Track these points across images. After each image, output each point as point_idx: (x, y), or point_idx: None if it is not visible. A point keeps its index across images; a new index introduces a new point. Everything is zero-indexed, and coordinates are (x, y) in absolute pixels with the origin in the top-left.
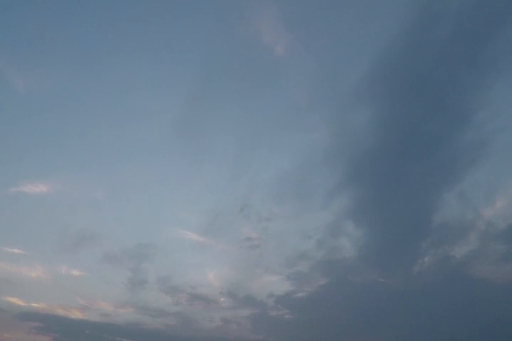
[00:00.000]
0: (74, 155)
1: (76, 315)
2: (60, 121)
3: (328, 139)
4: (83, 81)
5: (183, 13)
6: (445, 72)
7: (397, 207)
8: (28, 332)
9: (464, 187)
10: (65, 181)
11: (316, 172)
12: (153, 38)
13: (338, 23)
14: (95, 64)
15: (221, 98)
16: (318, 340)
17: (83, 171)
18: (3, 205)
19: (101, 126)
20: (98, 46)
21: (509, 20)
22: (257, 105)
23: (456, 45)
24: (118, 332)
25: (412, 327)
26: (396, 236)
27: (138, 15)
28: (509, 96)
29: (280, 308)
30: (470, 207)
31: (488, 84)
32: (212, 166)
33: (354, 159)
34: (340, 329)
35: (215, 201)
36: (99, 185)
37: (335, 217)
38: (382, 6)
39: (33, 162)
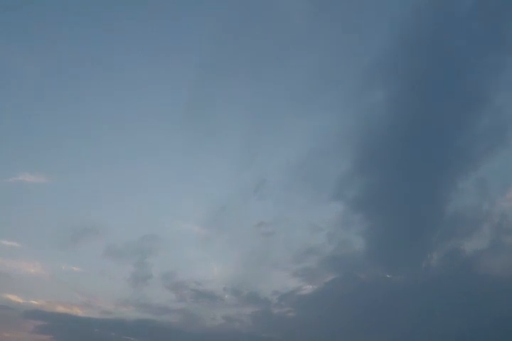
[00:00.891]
0: (75, 144)
1: (77, 312)
2: (61, 109)
3: (340, 123)
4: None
5: None
6: (464, 51)
7: (409, 197)
8: (31, 331)
9: (481, 175)
10: (65, 171)
11: (328, 159)
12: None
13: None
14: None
15: (229, 80)
16: (324, 338)
17: (84, 161)
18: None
19: (103, 114)
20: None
21: None
22: (266, 87)
23: (477, 21)
24: (125, 330)
25: (420, 324)
26: (406, 229)
27: None
28: None
29: (284, 305)
30: (485, 197)
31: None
32: (219, 154)
33: (366, 145)
34: (347, 327)
35: (222, 191)
36: (101, 176)
37: (345, 208)
38: None
39: (33, 151)
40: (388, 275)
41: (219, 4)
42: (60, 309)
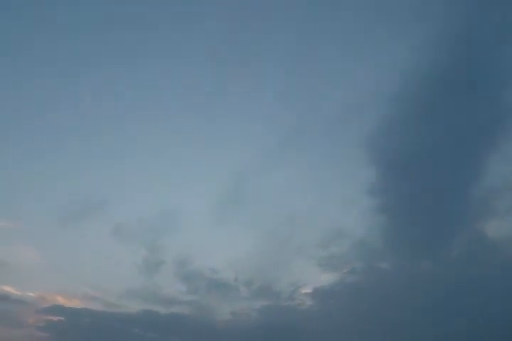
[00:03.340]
0: (84, 110)
1: (77, 304)
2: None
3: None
4: None
5: None
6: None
7: (433, 172)
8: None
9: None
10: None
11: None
12: None
13: None
14: None
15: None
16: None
17: (92, 126)
18: None
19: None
20: None
21: None
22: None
23: None
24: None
25: (444, 312)
26: (429, 211)
27: None
28: None
29: (307, 299)
30: None
31: None
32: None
33: (399, 106)
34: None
35: (243, 159)
36: (110, 143)
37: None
38: None
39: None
40: (410, 263)
41: None
42: (61, 300)
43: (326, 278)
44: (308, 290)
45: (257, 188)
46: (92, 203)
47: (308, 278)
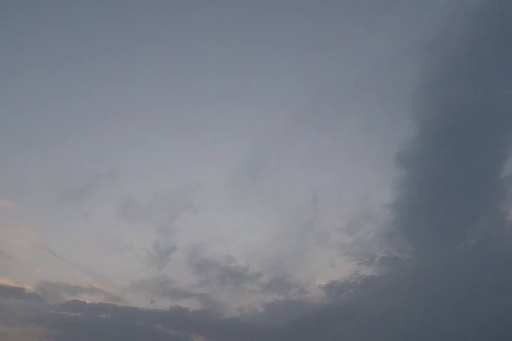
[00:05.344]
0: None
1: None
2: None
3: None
4: None
5: None
6: None
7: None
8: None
9: None
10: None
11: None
12: None
13: None
14: None
15: None
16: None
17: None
18: None
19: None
20: None
21: None
22: None
23: None
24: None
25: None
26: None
27: None
28: None
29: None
30: None
31: None
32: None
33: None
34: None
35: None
36: (120, 108)
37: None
38: None
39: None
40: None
41: None
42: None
43: (344, 270)
44: (323, 282)
45: (277, 163)
46: (99, 174)
47: (325, 269)
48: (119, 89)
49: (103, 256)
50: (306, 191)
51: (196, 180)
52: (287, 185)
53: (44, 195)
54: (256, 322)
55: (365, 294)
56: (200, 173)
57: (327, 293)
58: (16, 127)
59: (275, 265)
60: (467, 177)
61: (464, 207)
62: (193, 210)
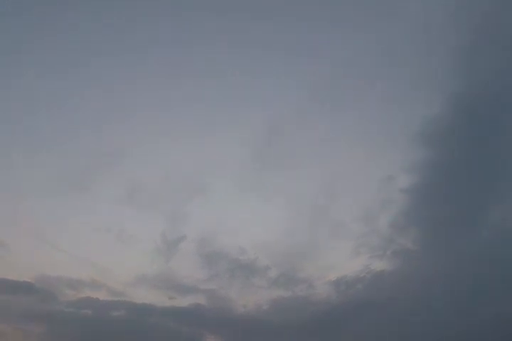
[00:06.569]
0: None
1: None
2: None
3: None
4: None
5: None
6: None
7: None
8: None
9: None
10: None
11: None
12: None
13: None
14: None
15: None
16: None
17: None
18: None
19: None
20: None
21: None
22: None
23: None
24: None
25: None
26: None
27: None
28: None
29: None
30: None
31: None
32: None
33: None
34: None
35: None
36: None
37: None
38: None
39: None
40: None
41: None
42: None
43: (355, 263)
44: (332, 277)
45: (291, 147)
46: (104, 154)
47: (336, 263)
48: (132, 62)
49: (107, 249)
50: (321, 177)
51: (208, 163)
52: (301, 173)
53: (48, 181)
54: (268, 318)
55: (374, 289)
56: (213, 156)
57: (335, 289)
58: (17, 117)
59: (284, 259)
60: (487, 162)
61: (480, 193)
62: (205, 196)
